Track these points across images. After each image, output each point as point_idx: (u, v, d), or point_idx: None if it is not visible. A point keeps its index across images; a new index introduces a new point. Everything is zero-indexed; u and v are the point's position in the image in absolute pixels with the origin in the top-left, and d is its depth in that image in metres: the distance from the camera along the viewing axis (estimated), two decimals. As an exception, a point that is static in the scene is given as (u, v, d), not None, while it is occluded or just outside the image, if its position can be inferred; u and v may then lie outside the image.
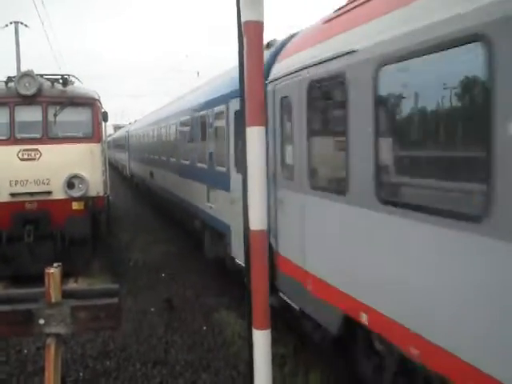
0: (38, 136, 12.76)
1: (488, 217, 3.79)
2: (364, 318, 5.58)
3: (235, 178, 9.75)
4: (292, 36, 8.98)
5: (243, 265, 8.65)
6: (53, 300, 4.89)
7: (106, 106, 16.13)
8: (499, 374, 3.79)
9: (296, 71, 7.45)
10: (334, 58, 6.07)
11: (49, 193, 12.52)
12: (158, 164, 21.09)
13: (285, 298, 8.09)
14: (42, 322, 4.88)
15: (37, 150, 12.55)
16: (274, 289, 8.04)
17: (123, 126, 54.70)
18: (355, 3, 6.32)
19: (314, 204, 6.85)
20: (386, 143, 5.23)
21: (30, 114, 12.81)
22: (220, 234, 11.42)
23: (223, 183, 10.82)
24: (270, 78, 8.45)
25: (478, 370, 3.94)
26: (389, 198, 5.13)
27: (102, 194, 13.32)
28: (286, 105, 7.88)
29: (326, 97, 6.86)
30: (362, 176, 5.49)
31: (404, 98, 5.05)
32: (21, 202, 12.38)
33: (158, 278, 12.83)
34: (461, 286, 4.12)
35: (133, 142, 33.27)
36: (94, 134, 13.28)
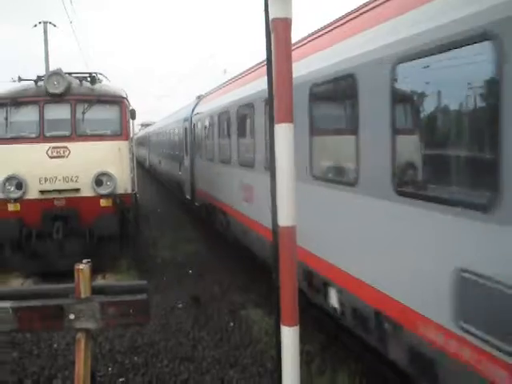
0: (66, 134, 12.90)
1: None
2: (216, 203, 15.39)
3: (186, 158, 20.98)
4: (207, 93, 19.69)
5: (189, 198, 21.00)
6: (82, 295, 4.93)
7: (134, 105, 16.27)
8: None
9: (198, 113, 18.09)
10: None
11: (77, 190, 12.65)
12: (162, 155, 33.00)
13: (196, 203, 18.86)
14: (72, 317, 4.92)
15: (66, 147, 12.69)
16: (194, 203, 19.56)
17: (150, 124, 55.73)
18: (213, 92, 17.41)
19: (202, 163, 17.36)
20: None
21: (58, 112, 12.96)
22: (182, 187, 22.14)
23: (183, 160, 21.72)
24: (193, 114, 19.48)
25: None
26: None
27: (129, 191, 13.42)
28: (195, 128, 18.76)
29: (204, 125, 16.91)
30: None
31: None
32: (50, 200, 12.53)
33: (185, 274, 12.93)
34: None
35: (151, 140, 44.98)
36: (122, 132, 13.37)
